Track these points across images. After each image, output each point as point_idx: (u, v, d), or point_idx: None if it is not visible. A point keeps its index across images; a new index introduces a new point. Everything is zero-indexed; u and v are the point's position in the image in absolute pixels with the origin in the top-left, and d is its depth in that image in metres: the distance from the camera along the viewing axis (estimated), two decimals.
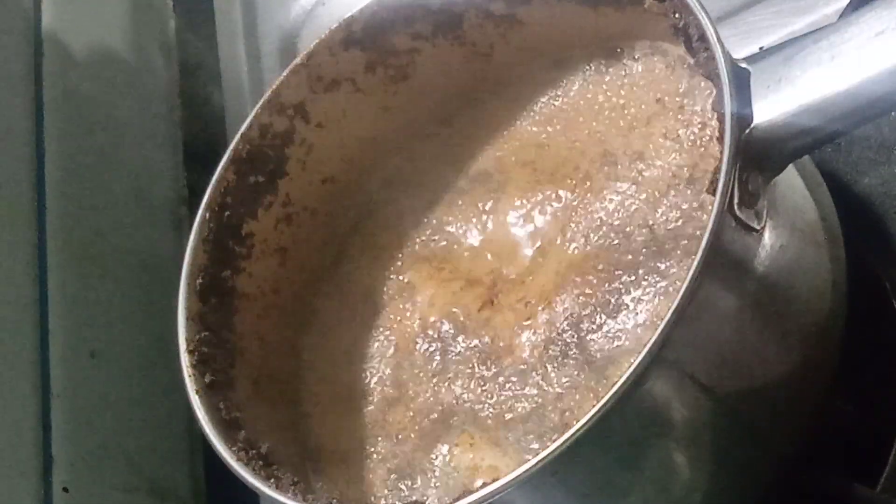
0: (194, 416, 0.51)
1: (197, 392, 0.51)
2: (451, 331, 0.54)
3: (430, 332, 0.55)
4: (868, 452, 0.51)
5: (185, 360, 0.52)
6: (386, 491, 0.52)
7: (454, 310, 0.55)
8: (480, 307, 0.54)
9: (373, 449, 0.54)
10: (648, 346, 0.41)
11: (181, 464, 0.70)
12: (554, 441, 0.41)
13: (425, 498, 0.50)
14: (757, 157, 0.44)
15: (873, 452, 0.51)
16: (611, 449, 0.43)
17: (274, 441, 0.52)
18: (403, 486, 0.52)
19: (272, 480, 0.49)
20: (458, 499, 0.43)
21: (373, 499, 0.52)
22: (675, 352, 0.42)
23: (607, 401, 0.41)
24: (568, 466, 0.42)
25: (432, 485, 0.51)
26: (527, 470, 0.41)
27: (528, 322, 0.52)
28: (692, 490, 0.46)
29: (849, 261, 0.50)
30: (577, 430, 0.41)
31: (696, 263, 0.41)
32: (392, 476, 0.52)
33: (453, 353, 0.54)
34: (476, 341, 0.53)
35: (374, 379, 0.56)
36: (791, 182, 0.48)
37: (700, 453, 0.46)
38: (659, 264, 0.49)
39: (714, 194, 0.42)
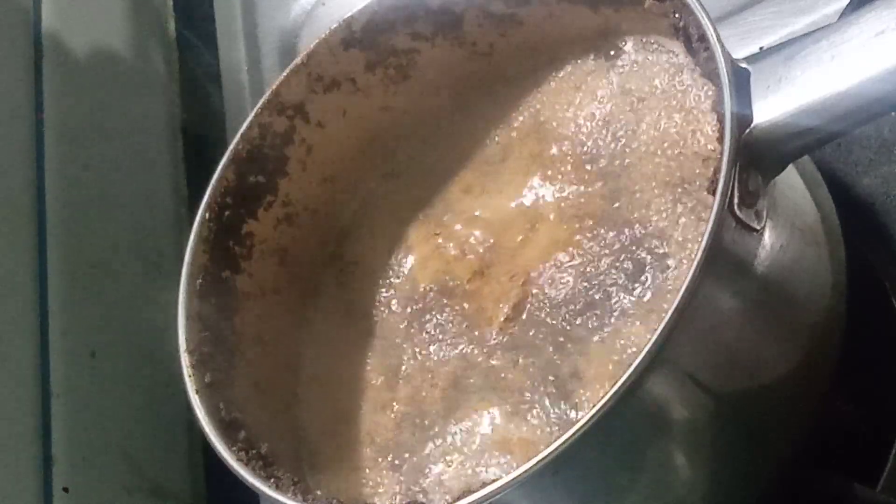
0: (194, 416, 0.51)
1: (197, 392, 0.51)
2: (440, 300, 0.55)
3: (422, 303, 0.56)
4: (868, 452, 0.51)
5: (185, 360, 0.52)
6: (387, 482, 0.52)
7: (446, 278, 0.56)
8: (471, 277, 0.55)
9: (374, 443, 0.54)
10: (648, 346, 0.41)
11: (181, 464, 0.70)
12: (554, 439, 0.41)
13: (430, 500, 0.50)
14: (757, 157, 0.44)
15: (873, 452, 0.51)
16: (611, 449, 0.43)
17: (274, 441, 0.52)
18: (411, 478, 0.51)
19: (272, 480, 0.49)
20: (458, 499, 0.43)
21: (375, 497, 0.52)
22: (675, 352, 0.42)
23: (607, 401, 0.41)
24: (568, 466, 0.42)
25: (442, 472, 0.51)
26: (527, 470, 0.41)
27: (512, 296, 0.52)
28: (692, 490, 0.46)
29: (849, 261, 0.50)
30: (577, 430, 0.41)
31: (696, 263, 0.41)
32: (395, 470, 0.52)
33: (442, 325, 0.54)
34: (462, 316, 0.54)
35: (369, 371, 0.56)
36: (791, 182, 0.48)
37: (700, 453, 0.46)
38: (643, 257, 0.49)
39: (714, 194, 0.42)
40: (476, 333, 0.53)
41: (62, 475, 0.63)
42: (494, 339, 0.53)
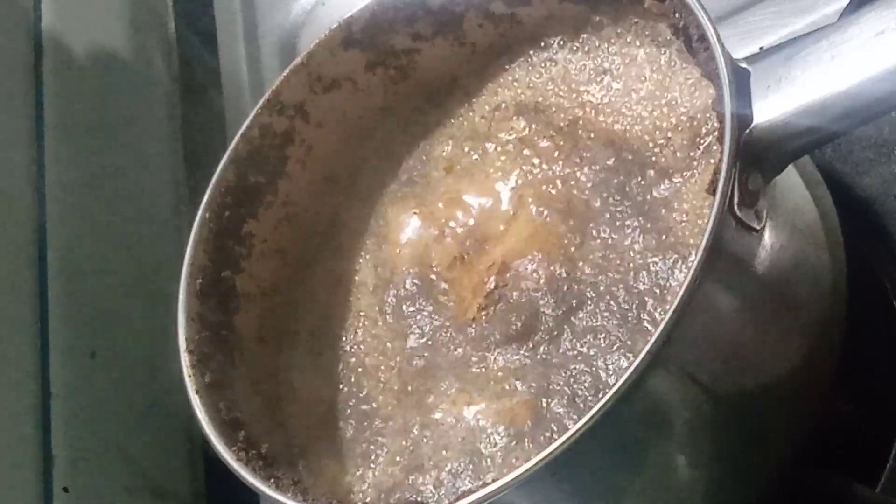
0: (194, 416, 0.51)
1: (197, 392, 0.51)
2: (419, 289, 0.55)
3: (400, 290, 0.55)
4: (868, 452, 0.51)
5: (185, 360, 0.52)
6: (382, 478, 0.52)
7: (426, 265, 0.55)
8: (450, 264, 0.55)
9: (366, 439, 0.53)
10: (648, 345, 0.41)
11: (181, 464, 0.70)
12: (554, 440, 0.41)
13: (430, 497, 0.50)
14: (757, 157, 0.44)
15: (873, 452, 0.51)
16: (611, 449, 0.43)
17: (274, 441, 0.52)
18: (404, 472, 0.51)
19: (272, 480, 0.49)
20: (458, 499, 0.43)
21: (370, 496, 0.52)
22: (675, 352, 0.42)
23: (607, 401, 0.41)
24: (568, 466, 0.42)
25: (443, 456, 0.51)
26: (527, 470, 0.41)
27: (486, 286, 0.52)
28: (692, 490, 0.46)
29: (849, 261, 0.50)
30: (577, 430, 0.41)
31: (696, 263, 0.41)
32: (389, 464, 0.52)
33: (419, 314, 0.54)
34: (441, 307, 0.54)
35: (358, 368, 0.56)
36: (791, 182, 0.48)
37: (700, 453, 0.46)
38: (632, 256, 0.49)
39: (714, 194, 0.42)
40: (452, 324, 0.53)
41: (62, 475, 0.63)
42: (471, 330, 0.52)
